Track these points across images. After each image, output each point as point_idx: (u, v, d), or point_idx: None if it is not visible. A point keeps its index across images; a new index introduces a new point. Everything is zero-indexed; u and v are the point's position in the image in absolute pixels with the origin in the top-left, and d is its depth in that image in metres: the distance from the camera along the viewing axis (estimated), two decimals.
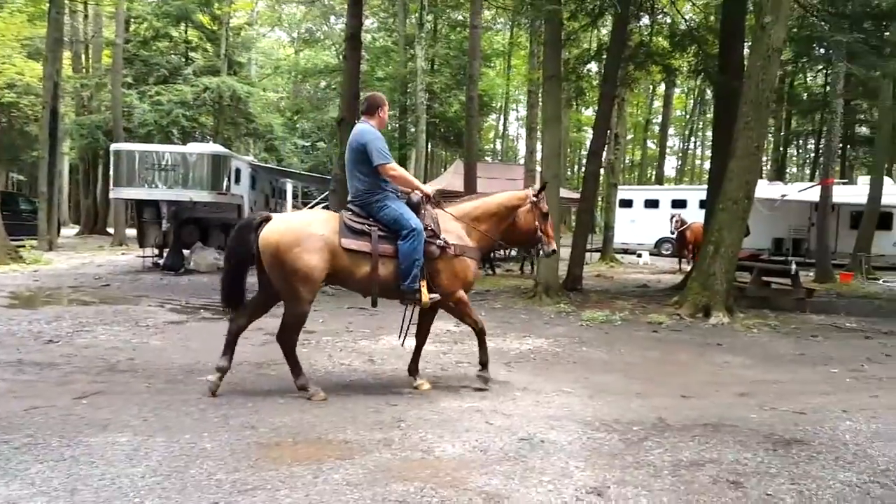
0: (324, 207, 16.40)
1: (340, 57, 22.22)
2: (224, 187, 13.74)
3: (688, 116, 45.76)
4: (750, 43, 11.43)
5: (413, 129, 28.64)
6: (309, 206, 19.31)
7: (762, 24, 9.19)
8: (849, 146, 27.67)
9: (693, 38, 13.56)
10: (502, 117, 45.88)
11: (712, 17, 14.71)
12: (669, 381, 5.67)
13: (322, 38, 38.62)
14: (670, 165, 51.13)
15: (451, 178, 19.02)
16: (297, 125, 37.85)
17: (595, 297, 11.22)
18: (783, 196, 20.10)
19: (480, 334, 5.06)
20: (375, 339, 7.06)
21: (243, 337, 6.78)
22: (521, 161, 28.18)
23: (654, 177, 42.33)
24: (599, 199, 26.07)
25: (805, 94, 27.94)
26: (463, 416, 4.37)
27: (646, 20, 14.48)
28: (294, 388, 4.72)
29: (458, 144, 29.90)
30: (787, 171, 38.48)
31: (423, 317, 5.11)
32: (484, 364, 5.08)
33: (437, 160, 41.97)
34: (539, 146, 13.55)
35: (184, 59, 28.78)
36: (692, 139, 48.21)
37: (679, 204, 22.74)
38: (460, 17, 30.34)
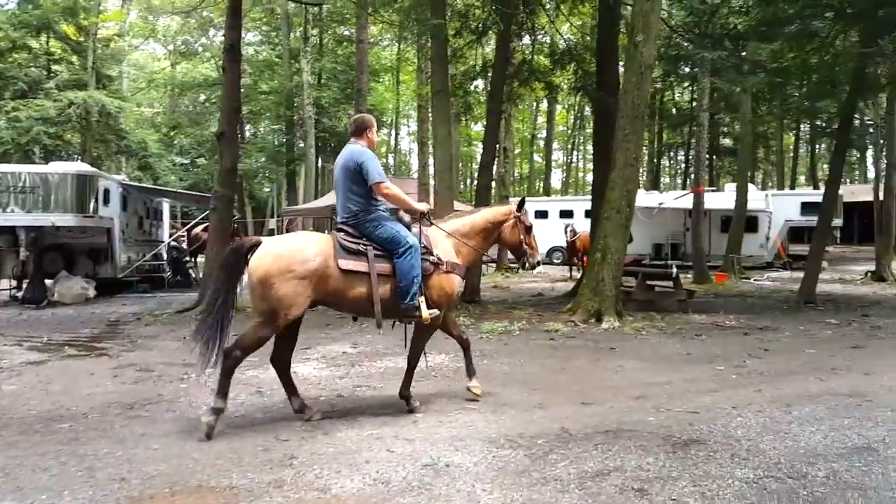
0: (203, 229, 15.47)
1: (220, 70, 21.26)
2: (91, 210, 12.60)
3: (570, 131, 47.95)
4: (624, 61, 12.03)
5: (302, 144, 27.89)
6: (187, 227, 18.18)
7: (634, 42, 9.67)
8: (715, 157, 29.93)
9: (572, 56, 14.14)
10: (394, 132, 45.94)
11: (589, 38, 15.40)
12: (569, 389, 5.69)
13: (201, 50, 36.87)
14: (556, 178, 53.31)
15: None
16: (175, 141, 35.79)
17: (493, 308, 11.26)
18: (660, 204, 21.38)
19: (413, 360, 5.03)
20: (265, 367, 6.58)
21: (113, 374, 6.20)
22: (415, 175, 28.21)
23: (541, 189, 43.84)
24: None
25: (674, 109, 29.95)
26: (362, 445, 4.11)
27: (527, 39, 14.96)
28: (170, 430, 4.27)
29: None
30: (662, 180, 41.17)
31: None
32: (405, 397, 5.00)
33: (329, 176, 41.15)
34: (431, 160, 13.53)
35: (46, 72, 26.43)
36: (575, 153, 50.63)
37: (566, 214, 23.60)
38: (347, 33, 30.01)
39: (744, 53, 13.01)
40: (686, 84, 24.08)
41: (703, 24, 12.56)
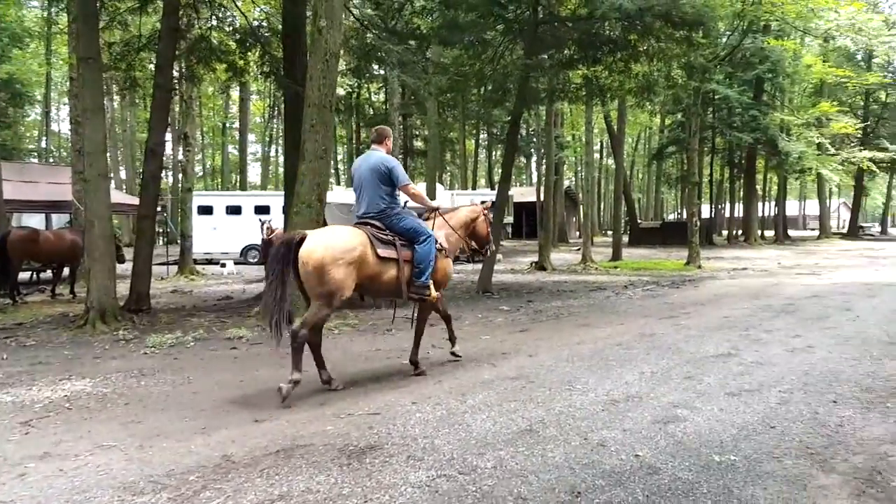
0: None
1: None
2: None
3: (265, 122, 46.22)
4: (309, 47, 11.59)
5: None
6: None
7: (319, 28, 9.25)
8: (408, 157, 31.73)
9: (257, 38, 13.20)
10: (53, 111, 38.77)
11: (276, 22, 14.61)
12: (242, 406, 4.99)
13: None
14: (255, 172, 51.14)
15: None
16: None
17: (166, 317, 9.76)
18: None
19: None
20: None
21: None
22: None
23: (238, 183, 41.57)
24: (177, 206, 24.08)
25: (370, 109, 30.98)
26: None
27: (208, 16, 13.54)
28: None
29: None
30: None
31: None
32: (414, 363, 5.99)
33: None
34: None
35: None
36: (273, 145, 48.74)
37: (262, 210, 22.45)
38: None
39: (429, 55, 13.68)
40: (380, 84, 24.97)
41: (390, 20, 12.82)
